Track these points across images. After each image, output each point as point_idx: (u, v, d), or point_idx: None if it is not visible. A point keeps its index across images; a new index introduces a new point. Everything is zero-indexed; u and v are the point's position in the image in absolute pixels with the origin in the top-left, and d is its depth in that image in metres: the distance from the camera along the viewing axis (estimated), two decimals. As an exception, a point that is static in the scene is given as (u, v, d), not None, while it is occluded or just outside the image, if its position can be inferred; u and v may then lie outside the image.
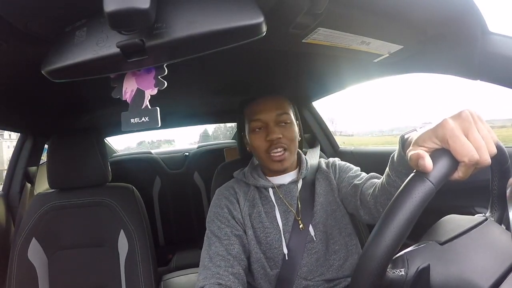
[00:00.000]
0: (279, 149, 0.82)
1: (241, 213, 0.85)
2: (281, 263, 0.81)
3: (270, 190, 0.87)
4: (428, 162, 0.36)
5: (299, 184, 0.88)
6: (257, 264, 0.82)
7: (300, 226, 0.83)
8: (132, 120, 0.45)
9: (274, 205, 0.85)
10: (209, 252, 0.78)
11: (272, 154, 0.82)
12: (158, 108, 0.45)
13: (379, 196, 0.69)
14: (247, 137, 0.90)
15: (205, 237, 0.83)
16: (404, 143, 0.54)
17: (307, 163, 0.92)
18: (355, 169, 0.89)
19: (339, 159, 0.97)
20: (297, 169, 0.92)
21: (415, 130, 0.52)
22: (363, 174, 0.85)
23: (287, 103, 0.89)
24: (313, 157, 0.98)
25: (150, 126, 0.45)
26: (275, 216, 0.84)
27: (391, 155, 0.61)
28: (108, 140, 2.43)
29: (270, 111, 0.84)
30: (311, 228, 0.83)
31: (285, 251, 0.81)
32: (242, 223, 0.84)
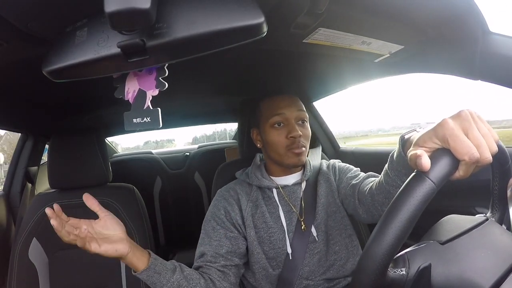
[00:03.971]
0: (299, 148, 0.82)
1: (241, 214, 0.85)
2: (284, 263, 0.81)
3: (274, 191, 0.87)
4: (425, 161, 0.35)
5: (303, 186, 0.89)
6: (258, 264, 0.82)
7: (303, 227, 0.83)
8: (134, 120, 0.46)
9: (278, 206, 0.85)
10: (199, 250, 0.83)
11: (292, 150, 0.82)
12: (159, 109, 0.45)
13: (376, 194, 0.69)
14: (260, 132, 0.89)
15: (200, 236, 0.85)
16: (405, 144, 0.54)
17: (310, 164, 0.92)
18: (354, 169, 0.90)
19: (340, 161, 0.97)
20: (302, 170, 0.92)
21: (415, 130, 0.52)
22: (361, 174, 0.85)
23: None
24: (315, 158, 0.98)
25: (151, 126, 0.45)
26: (279, 216, 0.84)
27: (391, 154, 0.61)
28: (109, 140, 2.43)
29: (292, 107, 0.85)
30: (313, 229, 0.83)
31: (289, 250, 0.81)
32: (241, 224, 0.84)
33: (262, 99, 0.90)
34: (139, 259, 0.66)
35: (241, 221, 0.84)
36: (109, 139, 2.50)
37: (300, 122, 0.85)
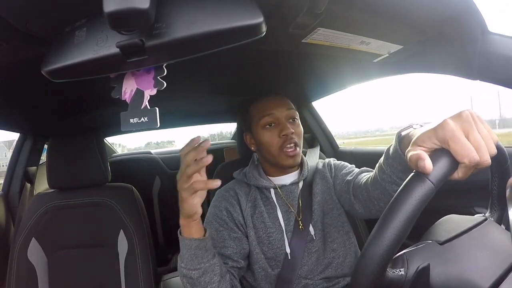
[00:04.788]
0: (292, 145, 0.83)
1: (242, 214, 0.85)
2: (283, 263, 0.82)
3: (272, 191, 0.87)
4: (428, 163, 0.35)
5: (300, 185, 0.89)
6: (257, 264, 0.83)
7: (300, 226, 0.83)
8: (131, 120, 0.45)
9: (276, 206, 0.86)
10: None
11: (285, 150, 0.83)
12: (157, 109, 0.45)
13: (372, 190, 0.69)
14: (252, 135, 0.90)
15: None
16: (401, 141, 0.54)
17: (307, 164, 0.92)
18: (349, 166, 0.90)
19: (335, 159, 0.98)
20: (299, 170, 0.92)
21: (412, 127, 0.52)
22: (355, 169, 0.86)
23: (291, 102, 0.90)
24: (313, 158, 0.98)
25: (149, 126, 0.45)
26: (277, 216, 0.85)
27: (386, 149, 0.61)
28: (108, 140, 2.42)
29: (281, 107, 0.86)
30: (311, 228, 0.84)
31: (288, 250, 0.81)
32: (243, 224, 0.84)
33: (251, 103, 0.91)
34: (200, 228, 0.65)
35: (243, 221, 0.84)
36: (114, 141, 2.50)
37: (290, 120, 0.86)
